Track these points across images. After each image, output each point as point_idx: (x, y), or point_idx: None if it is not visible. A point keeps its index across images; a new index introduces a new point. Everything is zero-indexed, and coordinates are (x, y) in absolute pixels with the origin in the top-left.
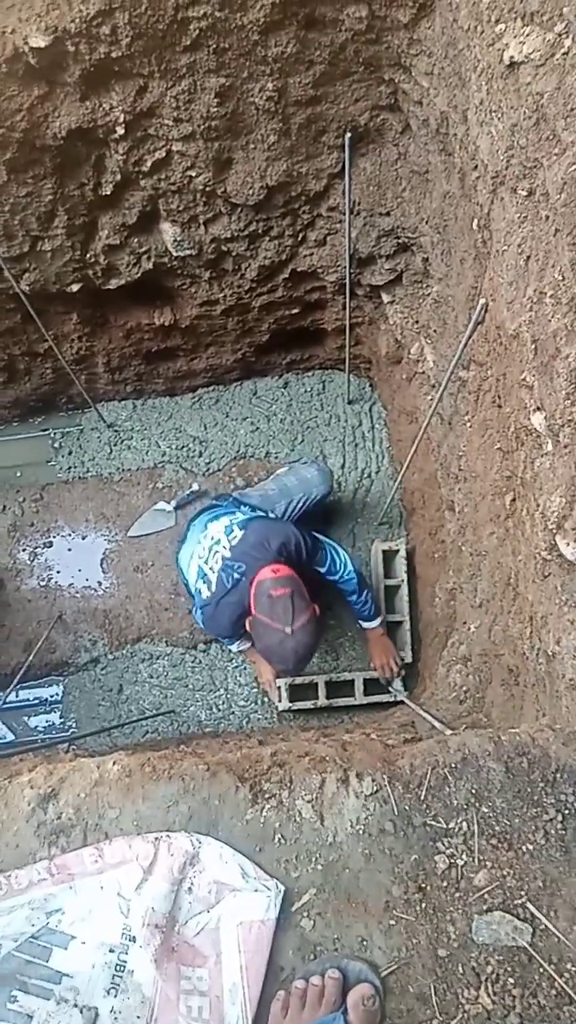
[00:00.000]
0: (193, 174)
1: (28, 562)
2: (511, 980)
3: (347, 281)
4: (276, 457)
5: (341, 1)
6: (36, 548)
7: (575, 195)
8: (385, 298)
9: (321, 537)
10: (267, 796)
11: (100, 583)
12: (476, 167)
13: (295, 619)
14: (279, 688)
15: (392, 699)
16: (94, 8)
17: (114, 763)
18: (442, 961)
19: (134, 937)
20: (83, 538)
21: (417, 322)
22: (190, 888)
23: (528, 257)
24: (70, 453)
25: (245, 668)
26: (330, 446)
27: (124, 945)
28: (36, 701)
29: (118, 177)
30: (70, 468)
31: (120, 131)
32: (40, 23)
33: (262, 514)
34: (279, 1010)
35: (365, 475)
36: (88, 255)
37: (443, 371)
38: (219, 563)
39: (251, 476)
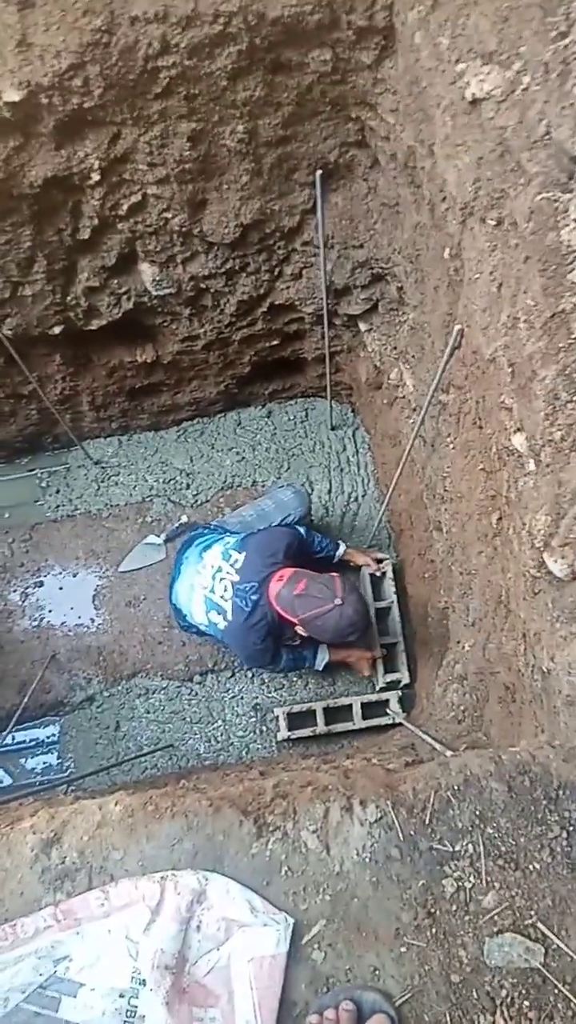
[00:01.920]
0: (169, 216)
1: (19, 603)
2: (526, 1003)
3: (324, 312)
4: (263, 485)
5: (306, 45)
6: (27, 588)
7: (542, 223)
8: (362, 327)
9: (297, 527)
10: (271, 829)
11: (93, 620)
12: (445, 199)
13: (334, 591)
14: (278, 717)
15: (391, 721)
16: (66, 62)
17: (116, 803)
18: (456, 987)
19: (144, 980)
20: (74, 576)
21: (395, 348)
22: (199, 926)
23: (500, 284)
24: (58, 492)
25: (242, 698)
26: (316, 472)
27: (134, 989)
28: (33, 743)
29: (95, 221)
30: (58, 507)
31: (95, 177)
32: (13, 78)
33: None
34: None
35: (352, 499)
36: (69, 298)
37: (423, 395)
38: (229, 590)
39: (239, 505)
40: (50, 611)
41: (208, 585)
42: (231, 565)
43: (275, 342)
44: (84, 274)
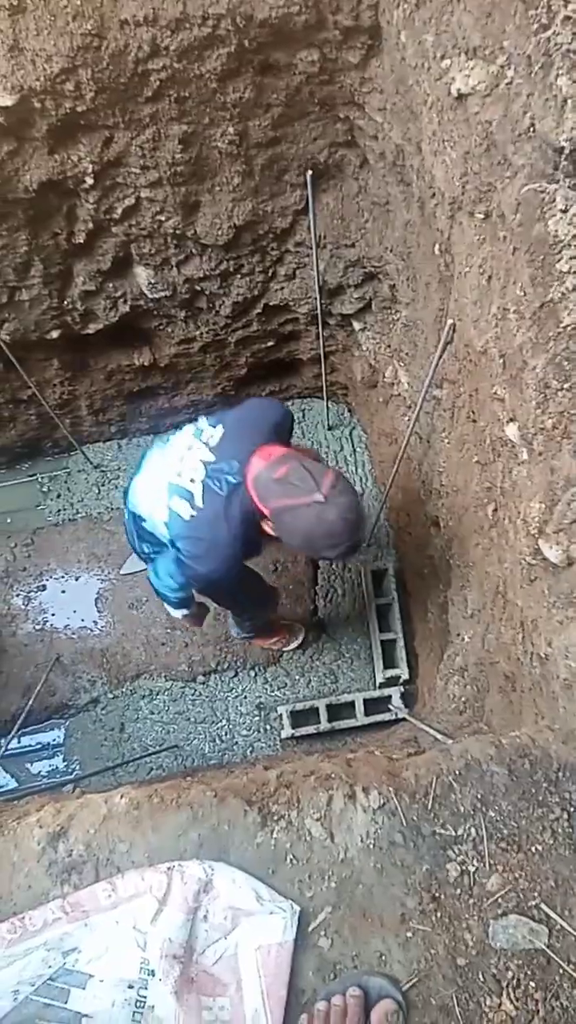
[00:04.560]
0: (163, 218)
1: (23, 607)
2: (532, 984)
3: (319, 312)
4: None
5: (294, 46)
6: (30, 592)
7: (529, 214)
8: (356, 326)
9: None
10: (276, 818)
11: (96, 622)
12: (434, 195)
13: (320, 483)
14: (281, 715)
15: (394, 717)
16: (57, 66)
17: (121, 796)
18: (462, 970)
19: (152, 971)
20: (76, 579)
21: (389, 346)
22: (205, 916)
23: (490, 277)
24: (59, 496)
25: (246, 697)
26: None
27: (143, 980)
28: (38, 746)
29: (90, 225)
30: (59, 511)
31: (89, 181)
32: (6, 83)
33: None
34: None
35: None
36: (65, 302)
37: (417, 392)
38: (201, 471)
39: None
40: (53, 615)
41: (176, 468)
42: (205, 441)
43: (270, 343)
44: (80, 278)
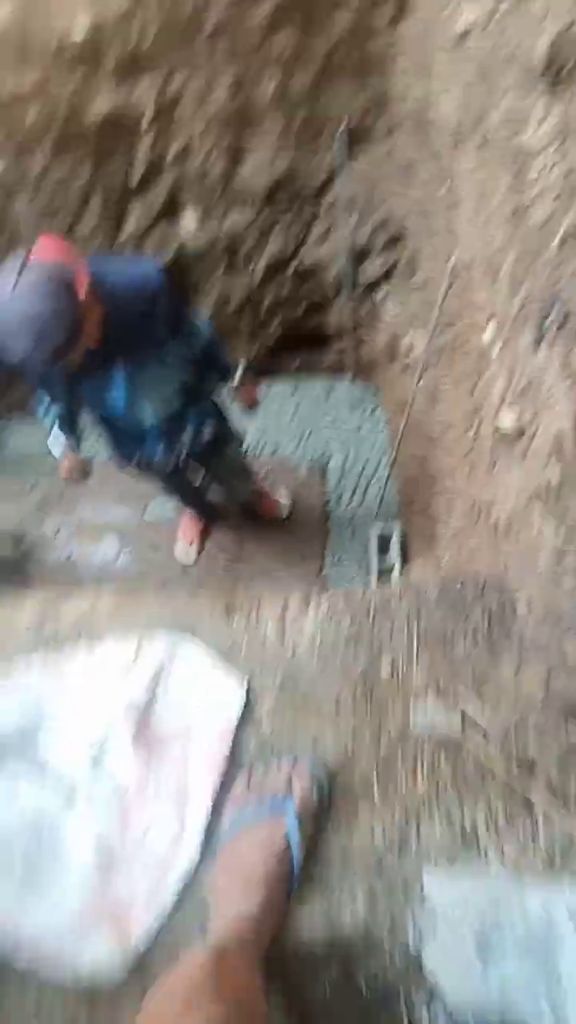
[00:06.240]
0: (210, 163)
1: (52, 536)
2: (443, 764)
3: (347, 267)
4: (283, 452)
5: (330, 7)
6: (60, 524)
7: (511, 130)
8: (380, 294)
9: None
10: (239, 613)
11: (117, 560)
12: (441, 134)
13: (16, 269)
14: None
15: None
16: (126, 3)
17: (106, 596)
18: (383, 754)
19: (114, 725)
20: (104, 517)
21: (408, 314)
22: (166, 682)
23: (481, 195)
24: (97, 439)
25: None
26: (334, 445)
27: (104, 736)
28: None
29: (145, 165)
30: (95, 454)
31: (148, 118)
32: (85, 13)
33: None
34: (239, 790)
35: (364, 474)
36: (117, 241)
37: (427, 352)
38: None
39: (263, 469)
40: (78, 547)
41: None
42: None
43: (300, 312)
44: (133, 216)
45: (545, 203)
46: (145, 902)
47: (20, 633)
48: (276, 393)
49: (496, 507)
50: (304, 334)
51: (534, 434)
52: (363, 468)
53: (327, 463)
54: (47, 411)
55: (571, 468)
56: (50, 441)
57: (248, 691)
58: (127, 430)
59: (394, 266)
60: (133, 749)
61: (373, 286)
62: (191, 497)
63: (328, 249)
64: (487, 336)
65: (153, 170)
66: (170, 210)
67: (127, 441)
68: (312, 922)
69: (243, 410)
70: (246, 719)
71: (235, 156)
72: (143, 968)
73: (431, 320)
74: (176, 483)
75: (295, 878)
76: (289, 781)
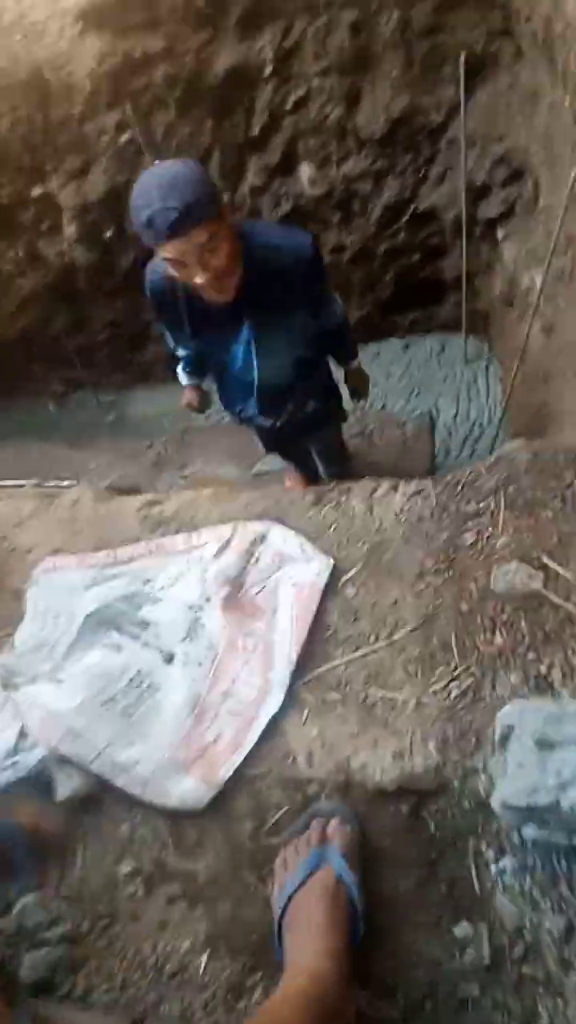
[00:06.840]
0: (328, 110)
1: (167, 491)
2: (523, 623)
3: (463, 209)
4: (391, 408)
5: None
6: (174, 480)
7: None
8: (499, 234)
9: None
10: (328, 501)
11: None
12: (569, 44)
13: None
14: None
15: None
16: None
17: (206, 487)
18: (464, 614)
19: (209, 598)
20: (215, 472)
21: (528, 253)
22: (257, 560)
23: None
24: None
25: None
26: (444, 400)
27: (200, 604)
28: None
29: (265, 118)
30: (207, 417)
31: (268, 69)
32: None
33: None
34: (279, 866)
35: (476, 424)
36: (237, 195)
37: (548, 285)
38: None
39: (367, 425)
40: None
41: None
42: None
43: (416, 258)
44: (251, 172)
45: None
46: (231, 743)
47: (130, 517)
48: (388, 353)
49: None
50: (418, 284)
51: None
52: (473, 422)
53: (436, 418)
54: (175, 351)
55: None
56: (179, 372)
57: (334, 561)
58: (236, 384)
59: (514, 203)
60: (226, 613)
61: (492, 224)
62: (293, 457)
63: (447, 189)
64: None
65: (272, 123)
66: (287, 164)
67: (233, 394)
68: (384, 764)
69: (352, 395)
70: (331, 587)
71: (353, 101)
72: (223, 800)
73: (550, 244)
74: (278, 442)
75: (359, 914)
76: (323, 834)
